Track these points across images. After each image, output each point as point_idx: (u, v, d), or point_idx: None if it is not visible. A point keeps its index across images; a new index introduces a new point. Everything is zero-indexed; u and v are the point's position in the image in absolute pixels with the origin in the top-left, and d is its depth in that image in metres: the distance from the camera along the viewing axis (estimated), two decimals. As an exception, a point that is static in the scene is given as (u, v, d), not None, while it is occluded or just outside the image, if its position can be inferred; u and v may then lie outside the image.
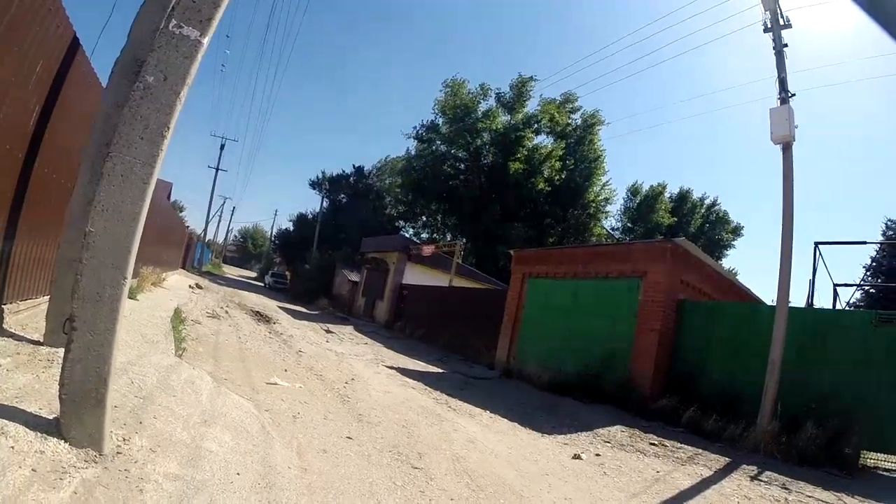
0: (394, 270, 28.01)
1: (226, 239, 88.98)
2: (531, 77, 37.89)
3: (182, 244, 32.11)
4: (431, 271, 28.31)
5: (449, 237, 38.92)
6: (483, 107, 38.22)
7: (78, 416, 3.04)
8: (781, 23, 10.57)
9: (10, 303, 5.39)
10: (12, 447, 2.72)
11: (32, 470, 2.62)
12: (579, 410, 10.10)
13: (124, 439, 3.36)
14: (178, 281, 22.95)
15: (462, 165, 38.88)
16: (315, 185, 55.89)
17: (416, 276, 27.91)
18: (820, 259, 14.25)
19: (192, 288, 21.97)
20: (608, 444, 7.83)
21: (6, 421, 2.92)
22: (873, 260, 29.00)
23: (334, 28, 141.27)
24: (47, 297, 5.71)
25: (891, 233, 28.00)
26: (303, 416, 5.76)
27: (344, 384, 8.33)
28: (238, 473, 3.56)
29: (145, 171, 3.26)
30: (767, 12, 10.72)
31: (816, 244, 14.33)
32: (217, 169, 51.82)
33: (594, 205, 38.61)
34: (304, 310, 26.86)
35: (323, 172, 55.76)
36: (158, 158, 3.33)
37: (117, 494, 2.75)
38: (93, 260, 3.10)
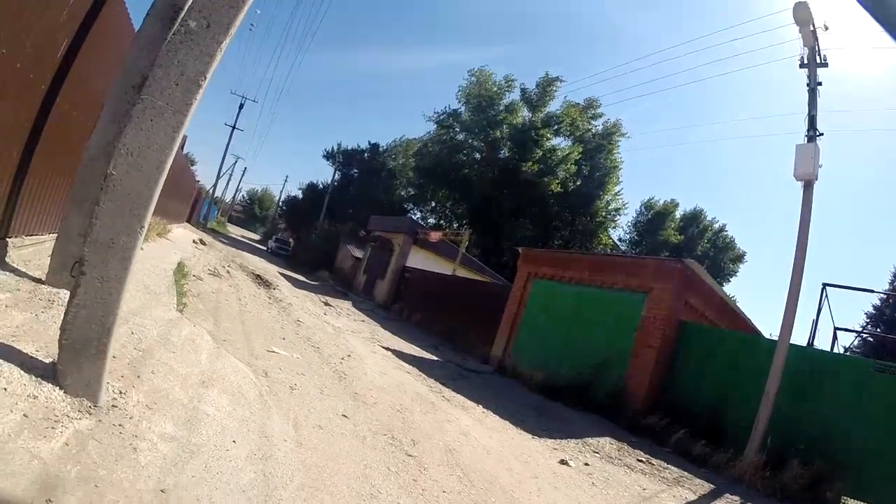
0: (398, 252, 27.86)
1: (234, 198, 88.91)
2: (558, 77, 37.76)
3: (190, 198, 31.97)
4: (436, 258, 28.26)
5: (456, 226, 38.73)
6: (507, 99, 38.07)
7: (76, 364, 2.94)
8: (818, 60, 10.46)
9: (16, 236, 5.28)
10: (5, 388, 2.62)
11: (24, 415, 2.52)
12: (570, 416, 10.01)
13: (121, 392, 3.25)
14: (182, 234, 22.77)
15: (477, 155, 38.67)
16: (329, 156, 55.73)
17: (419, 260, 27.79)
18: (825, 301, 14.08)
19: (196, 243, 21.76)
20: (597, 455, 7.74)
21: (0, 360, 2.82)
22: (876, 308, 28.97)
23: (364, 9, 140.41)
24: (54, 236, 5.59)
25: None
26: (300, 388, 5.65)
27: (340, 360, 8.23)
28: (234, 441, 3.46)
29: (176, 119, 3.13)
30: (806, 48, 10.57)
31: (824, 286, 14.17)
32: (234, 127, 51.70)
33: (604, 213, 38.45)
34: (304, 279, 26.76)
35: (339, 144, 55.62)
36: (191, 108, 3.20)
37: (110, 450, 2.65)
38: (110, 204, 2.98)
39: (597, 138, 38.44)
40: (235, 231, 72.05)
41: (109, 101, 5.10)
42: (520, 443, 7.10)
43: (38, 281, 4.84)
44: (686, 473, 7.86)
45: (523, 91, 38.18)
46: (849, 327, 26.24)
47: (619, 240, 46.43)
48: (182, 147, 37.09)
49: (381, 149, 54.38)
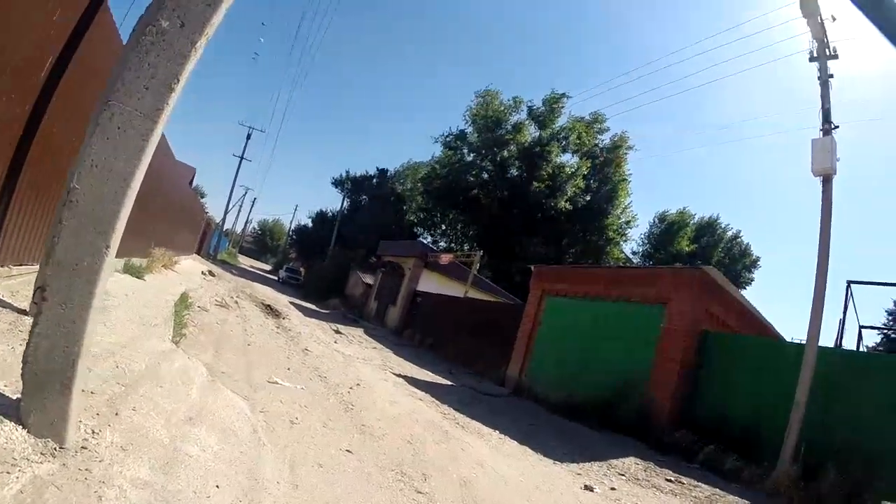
0: (409, 276, 27.55)
1: (244, 229, 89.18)
2: (564, 94, 37.60)
3: (199, 229, 31.93)
4: (447, 281, 27.89)
5: (467, 248, 38.44)
6: (514, 119, 37.98)
7: (40, 400, 2.61)
8: (828, 53, 10.26)
9: (3, 266, 5.02)
10: (-39, 426, 2.29)
11: (-24, 457, 2.19)
12: (592, 437, 9.58)
13: (94, 432, 2.91)
14: (190, 266, 22.64)
15: (486, 176, 38.45)
16: (337, 183, 55.83)
17: (431, 284, 27.44)
18: (850, 299, 13.59)
19: (205, 274, 21.69)
20: (623, 478, 7.31)
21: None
22: (896, 304, 28.51)
23: (369, 29, 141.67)
24: (43, 265, 5.32)
25: None
26: (301, 421, 5.28)
27: (348, 389, 7.86)
28: (217, 486, 3.09)
29: (145, 125, 2.84)
30: (815, 41, 10.38)
31: (849, 283, 13.70)
32: (241, 158, 51.75)
33: (614, 228, 38.07)
34: (315, 307, 26.52)
35: (347, 172, 55.74)
36: (163, 113, 2.91)
37: (70, 498, 2.31)
38: (73, 221, 2.67)
39: (604, 152, 38.20)
40: (246, 262, 72.17)
41: (93, 117, 4.84)
42: (540, 470, 6.68)
43: (22, 312, 4.56)
44: (718, 491, 7.43)
45: (530, 109, 38.03)
46: (875, 325, 25.72)
47: (633, 253, 45.98)
48: (191, 181, 37.50)
49: (388, 174, 54.45)
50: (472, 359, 17.53)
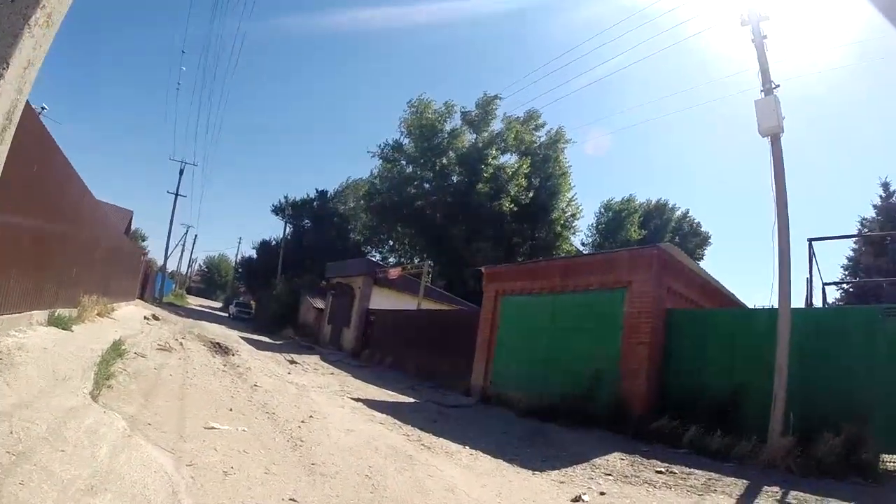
0: (360, 295, 26.71)
1: (188, 268, 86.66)
2: (496, 95, 37.83)
3: (138, 273, 30.52)
4: (399, 295, 27.16)
5: (417, 261, 37.98)
6: (449, 125, 37.83)
7: None
8: (760, 15, 10.11)
9: None
10: None
11: None
12: (569, 437, 9.01)
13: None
14: (131, 312, 21.45)
15: (428, 186, 38.14)
16: (278, 210, 54.54)
17: (383, 300, 26.67)
18: (813, 257, 13.41)
19: (147, 319, 20.60)
20: (610, 478, 6.74)
21: None
22: (850, 259, 29.02)
23: (292, 49, 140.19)
24: None
25: (865, 230, 27.93)
26: (237, 471, 4.51)
27: (300, 423, 7.10)
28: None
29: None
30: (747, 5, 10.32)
31: (810, 241, 13.51)
32: (176, 194, 49.91)
33: (561, 221, 38.17)
34: (268, 340, 25.53)
35: (285, 197, 54.50)
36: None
37: None
38: None
39: (542, 148, 38.41)
40: (195, 301, 69.96)
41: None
42: (520, 485, 6.02)
43: None
44: (713, 475, 6.93)
45: (464, 114, 38.00)
46: (836, 281, 26.15)
47: (582, 245, 46.25)
48: (129, 225, 35.84)
49: (329, 195, 53.56)
50: (434, 372, 16.86)
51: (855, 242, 28.22)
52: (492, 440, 8.30)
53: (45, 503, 2.83)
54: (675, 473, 6.99)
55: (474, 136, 37.67)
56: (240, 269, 68.88)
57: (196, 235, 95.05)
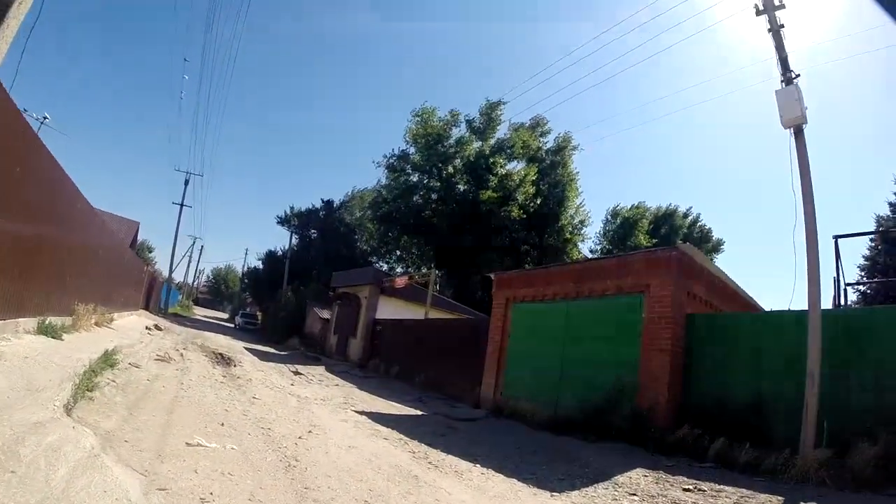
0: (366, 305, 26.22)
1: (194, 279, 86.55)
2: (500, 101, 37.32)
3: (142, 283, 30.19)
4: (406, 304, 26.69)
5: (424, 270, 37.49)
6: (455, 133, 37.56)
7: None
8: (776, 3, 9.63)
9: None
10: None
11: None
12: (587, 452, 8.40)
13: None
14: (133, 322, 21.11)
15: (434, 195, 37.66)
16: (283, 221, 54.12)
17: (390, 310, 26.16)
18: (838, 255, 12.79)
19: (149, 329, 20.32)
20: (635, 498, 6.15)
21: None
22: (867, 259, 28.26)
23: (299, 59, 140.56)
24: None
25: (881, 228, 27.21)
26: (217, 498, 3.93)
27: (296, 440, 6.55)
28: None
29: None
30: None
31: (836, 238, 12.86)
32: (181, 205, 49.89)
33: (569, 228, 37.59)
34: (273, 350, 25.18)
35: (291, 208, 54.10)
36: None
37: None
38: None
39: (550, 155, 37.88)
40: (201, 312, 69.72)
41: None
42: (538, 508, 5.46)
43: None
44: (745, 491, 6.35)
45: (469, 122, 37.56)
46: (857, 282, 25.51)
47: (591, 252, 45.53)
48: (135, 236, 35.70)
49: (335, 205, 53.13)
50: (442, 383, 16.33)
51: (871, 241, 27.41)
52: (504, 456, 7.72)
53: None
54: (704, 491, 6.41)
55: (480, 143, 37.18)
56: (246, 280, 68.47)
57: (202, 246, 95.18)
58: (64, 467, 3.60)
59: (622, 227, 47.16)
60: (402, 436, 8.25)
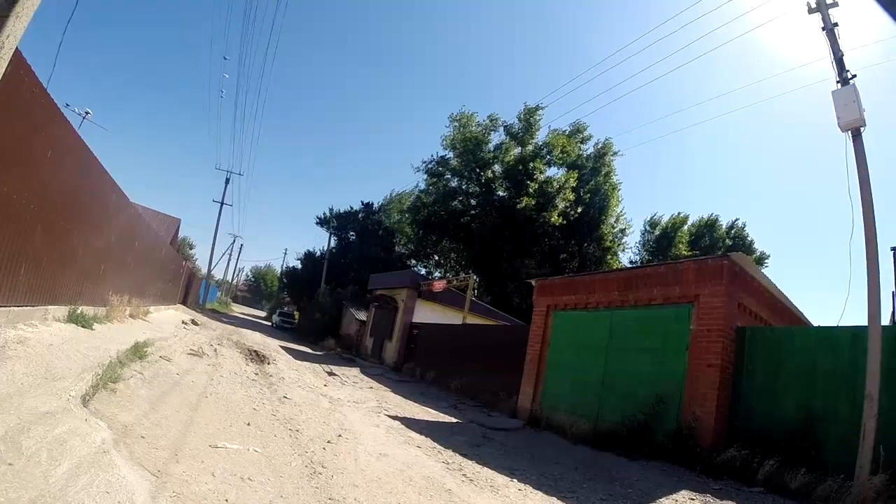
0: (403, 308, 26.01)
1: (234, 276, 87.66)
2: (538, 106, 36.70)
3: (180, 278, 30.56)
4: (443, 309, 26.43)
5: (462, 275, 37.11)
6: (494, 139, 37.15)
7: None
8: (829, 1, 9.29)
9: None
10: None
11: None
12: (630, 471, 7.91)
13: None
14: (169, 316, 21.33)
15: (473, 200, 37.33)
16: (322, 222, 54.21)
17: (426, 314, 25.96)
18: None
19: (185, 324, 20.51)
20: (683, 524, 5.68)
21: None
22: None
23: (339, 65, 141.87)
24: None
25: None
26: (234, 505, 3.65)
27: (325, 444, 6.25)
28: None
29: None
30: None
31: (894, 249, 12.06)
32: (222, 203, 50.50)
33: (610, 237, 36.84)
34: (308, 350, 25.21)
35: (330, 209, 54.15)
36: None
37: None
38: None
39: (590, 161, 37.08)
40: (239, 310, 70.55)
41: None
42: (579, 531, 5.03)
43: None
44: (797, 519, 5.80)
45: (507, 127, 37.04)
46: None
47: (630, 262, 44.47)
48: (176, 233, 36.27)
49: (374, 207, 53.10)
50: (478, 390, 15.90)
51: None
52: (542, 471, 7.29)
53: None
54: (757, 520, 5.92)
55: (519, 148, 36.68)
56: (284, 280, 68.94)
57: (242, 245, 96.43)
58: (67, 463, 3.37)
59: (663, 238, 45.94)
60: (435, 444, 7.90)
